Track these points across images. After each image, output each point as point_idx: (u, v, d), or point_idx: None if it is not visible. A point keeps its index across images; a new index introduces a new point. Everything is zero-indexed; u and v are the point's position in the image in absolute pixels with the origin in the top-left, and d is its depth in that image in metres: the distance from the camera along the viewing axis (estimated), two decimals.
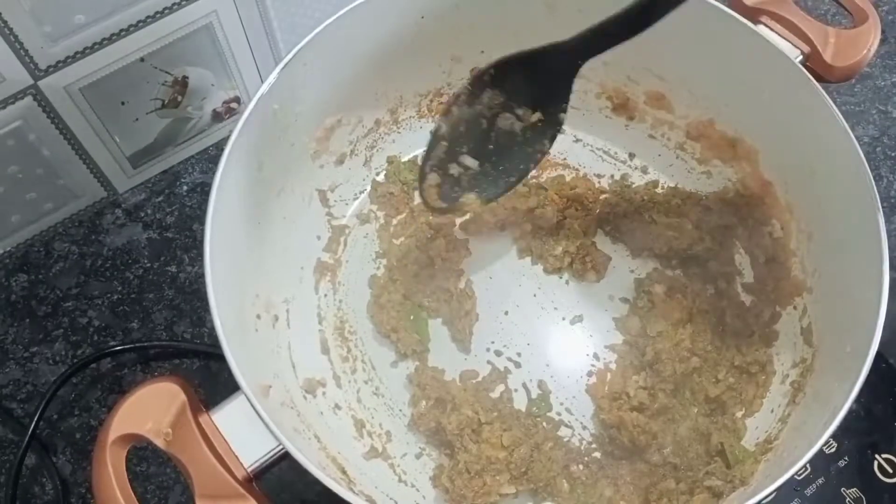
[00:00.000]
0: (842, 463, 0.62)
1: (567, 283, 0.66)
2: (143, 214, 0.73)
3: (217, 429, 0.46)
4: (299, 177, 0.63)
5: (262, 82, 0.54)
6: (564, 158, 0.71)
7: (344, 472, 0.55)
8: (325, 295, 0.65)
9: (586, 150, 0.71)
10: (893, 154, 0.77)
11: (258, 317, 0.58)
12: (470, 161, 0.56)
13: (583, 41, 0.51)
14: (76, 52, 0.60)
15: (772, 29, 0.60)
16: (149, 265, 0.71)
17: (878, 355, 0.48)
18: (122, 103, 0.66)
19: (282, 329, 0.61)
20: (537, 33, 0.62)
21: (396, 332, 0.62)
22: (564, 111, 0.54)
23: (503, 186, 0.57)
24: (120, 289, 0.70)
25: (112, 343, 0.67)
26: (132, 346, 0.67)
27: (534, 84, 0.54)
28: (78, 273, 0.70)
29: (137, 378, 0.66)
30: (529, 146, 0.56)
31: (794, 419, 0.54)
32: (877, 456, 0.62)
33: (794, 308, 0.60)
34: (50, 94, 0.61)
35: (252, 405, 0.45)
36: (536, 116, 0.55)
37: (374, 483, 0.57)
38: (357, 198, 0.69)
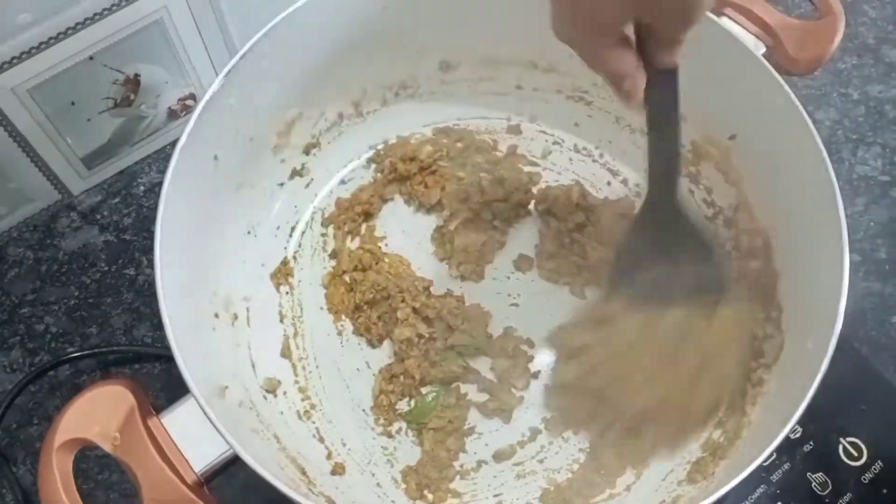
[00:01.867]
0: (807, 448, 0.61)
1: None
2: (99, 217, 0.72)
3: (166, 432, 0.45)
4: (259, 171, 0.62)
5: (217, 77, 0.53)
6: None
7: (304, 473, 0.55)
8: (287, 293, 0.64)
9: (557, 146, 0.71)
10: (854, 137, 0.77)
11: (216, 315, 0.58)
12: None
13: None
14: (22, 53, 0.59)
15: (735, 21, 0.59)
16: (106, 268, 0.69)
17: (843, 339, 0.48)
18: (73, 103, 0.65)
19: (241, 328, 0.60)
20: (499, 20, 0.62)
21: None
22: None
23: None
24: (77, 293, 0.69)
25: (70, 349, 0.66)
26: (91, 351, 0.65)
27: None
28: (34, 278, 0.69)
29: None
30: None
31: (756, 415, 0.54)
32: (842, 440, 0.62)
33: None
34: None
35: (200, 406, 0.44)
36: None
37: (335, 484, 0.57)
38: (317, 194, 0.68)
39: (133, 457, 0.44)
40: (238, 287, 0.61)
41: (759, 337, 0.57)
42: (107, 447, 0.44)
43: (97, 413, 0.44)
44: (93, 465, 0.61)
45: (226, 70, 0.53)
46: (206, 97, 0.52)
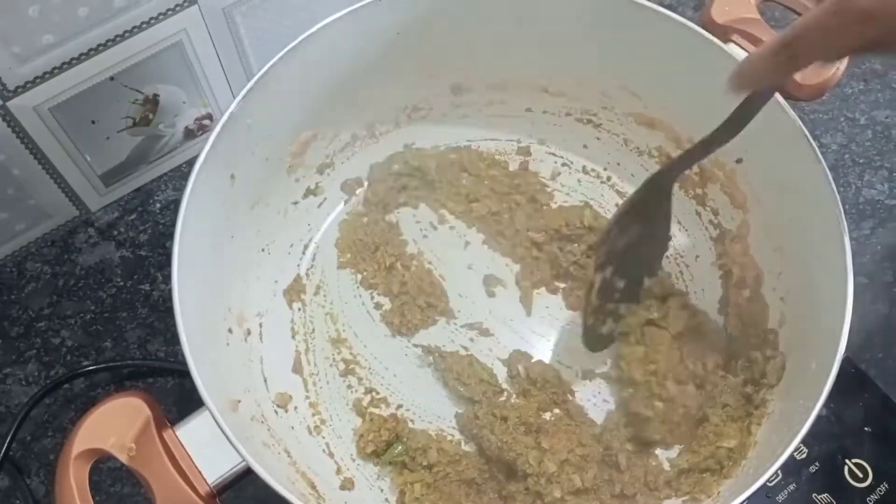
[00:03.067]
0: (813, 468, 0.62)
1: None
2: (115, 233, 0.73)
3: (181, 444, 0.46)
4: (274, 190, 0.64)
5: (234, 98, 0.54)
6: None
7: (314, 488, 0.55)
8: (299, 310, 0.65)
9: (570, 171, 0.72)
10: (861, 161, 0.78)
11: (230, 331, 0.59)
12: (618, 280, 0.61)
13: (676, 163, 0.56)
14: (45, 73, 0.60)
15: (741, 47, 0.60)
16: (122, 284, 0.71)
17: (847, 360, 0.48)
18: (93, 122, 0.66)
19: (254, 343, 0.62)
20: (508, 46, 0.63)
21: None
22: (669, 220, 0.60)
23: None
24: (93, 308, 0.70)
25: (85, 363, 0.67)
26: (105, 365, 0.66)
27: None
28: (50, 293, 0.70)
29: None
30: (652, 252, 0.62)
31: (760, 436, 0.55)
32: (847, 461, 0.62)
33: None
34: (19, 114, 0.62)
35: (215, 420, 0.45)
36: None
37: (344, 499, 0.57)
38: (330, 213, 0.69)
39: (148, 468, 0.44)
40: (251, 303, 0.62)
41: (759, 359, 0.58)
42: (122, 458, 0.45)
43: (114, 424, 0.45)
44: (105, 478, 0.62)
45: (243, 92, 0.54)
46: (224, 118, 0.53)
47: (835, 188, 0.52)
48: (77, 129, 0.66)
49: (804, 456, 0.62)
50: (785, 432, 0.49)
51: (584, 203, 0.69)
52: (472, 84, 0.68)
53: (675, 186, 0.60)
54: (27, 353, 0.68)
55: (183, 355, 0.47)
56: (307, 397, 0.62)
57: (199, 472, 0.45)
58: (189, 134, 0.74)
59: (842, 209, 0.52)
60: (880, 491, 0.61)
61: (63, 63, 0.61)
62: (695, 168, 0.65)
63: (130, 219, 0.74)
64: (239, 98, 0.54)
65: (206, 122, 0.74)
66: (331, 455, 0.60)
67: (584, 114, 0.69)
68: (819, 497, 0.61)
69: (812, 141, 0.54)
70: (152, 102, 0.69)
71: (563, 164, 0.71)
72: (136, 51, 0.64)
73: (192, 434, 0.46)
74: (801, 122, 0.54)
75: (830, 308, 0.50)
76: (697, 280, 0.66)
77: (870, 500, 0.61)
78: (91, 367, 0.66)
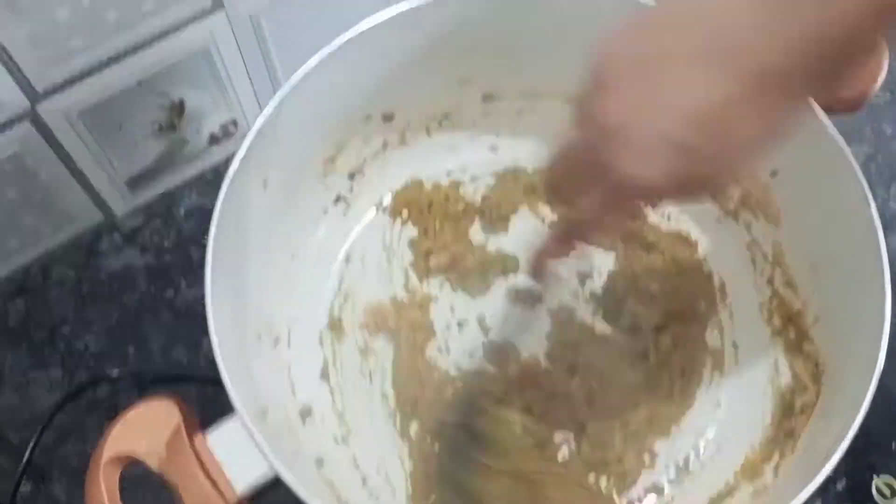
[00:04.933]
0: (840, 486, 0.61)
1: None
2: (140, 238, 0.73)
3: (209, 450, 0.45)
4: (305, 197, 0.64)
5: (260, 105, 0.54)
6: None
7: (339, 499, 0.55)
8: (328, 317, 0.65)
9: None
10: (888, 173, 0.77)
11: (259, 338, 0.58)
12: None
13: None
14: (73, 77, 0.60)
15: None
16: (146, 289, 0.71)
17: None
18: (120, 127, 0.67)
19: (282, 350, 0.61)
20: (538, 51, 0.62)
21: None
22: None
23: None
24: (117, 314, 0.70)
25: (108, 368, 0.67)
26: (129, 371, 0.66)
27: None
28: (75, 298, 0.70)
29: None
30: None
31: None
32: (875, 477, 0.61)
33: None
34: (48, 118, 0.62)
35: (246, 426, 0.45)
36: None
37: None
38: (360, 220, 0.68)
39: (178, 474, 0.44)
40: (280, 311, 0.61)
41: (793, 389, 0.58)
42: (152, 463, 0.44)
43: (145, 429, 0.45)
44: (126, 485, 0.62)
45: (277, 98, 0.54)
46: (259, 123, 0.53)
47: (873, 202, 0.52)
48: (104, 133, 0.66)
49: (831, 472, 0.61)
50: (815, 457, 0.48)
51: None
52: (504, 92, 0.68)
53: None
54: (51, 358, 0.68)
55: (206, 362, 0.47)
56: (334, 406, 0.61)
57: (227, 480, 0.45)
58: (213, 139, 0.74)
59: (879, 224, 0.51)
60: None
61: (91, 67, 0.61)
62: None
63: (155, 224, 0.74)
64: (273, 103, 0.54)
65: (231, 128, 0.74)
66: (356, 466, 0.59)
67: None
68: None
69: (850, 153, 0.53)
70: (178, 108, 0.69)
71: None
72: (164, 56, 0.64)
73: (223, 441, 0.46)
74: (838, 136, 0.54)
75: (867, 323, 0.50)
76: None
77: None
78: (115, 373, 0.66)
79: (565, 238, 0.48)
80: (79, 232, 0.72)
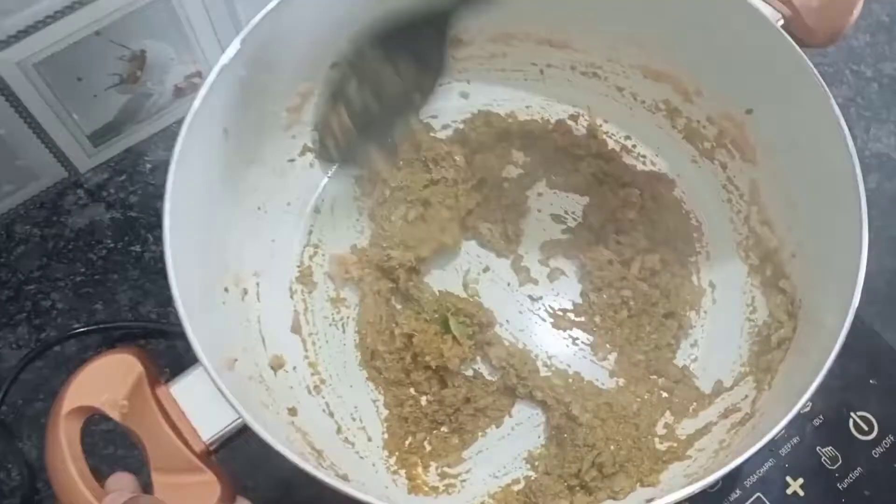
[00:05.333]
0: (817, 422, 0.61)
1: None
2: (105, 194, 0.71)
3: (174, 401, 0.45)
4: (270, 147, 0.62)
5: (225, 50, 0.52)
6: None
7: (313, 448, 0.54)
8: (297, 268, 0.64)
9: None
10: (867, 115, 0.77)
11: (226, 290, 0.57)
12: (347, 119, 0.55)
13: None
14: (28, 27, 0.58)
15: None
16: (112, 245, 0.69)
17: (854, 314, 0.47)
18: (79, 79, 0.64)
19: (251, 303, 0.60)
20: None
21: None
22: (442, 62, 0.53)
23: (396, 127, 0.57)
24: (83, 270, 0.68)
25: (76, 325, 0.66)
26: (96, 327, 0.65)
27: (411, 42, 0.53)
28: (40, 255, 0.69)
29: None
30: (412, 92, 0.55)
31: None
32: (852, 414, 0.61)
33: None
34: (3, 70, 0.59)
35: (209, 375, 0.44)
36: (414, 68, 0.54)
37: (345, 459, 0.56)
38: (328, 171, 0.66)
39: (141, 425, 0.43)
40: (248, 262, 0.60)
41: (769, 325, 0.57)
42: (115, 415, 0.43)
43: (106, 381, 0.44)
44: (98, 440, 0.61)
45: (236, 42, 0.52)
46: (216, 69, 0.51)
47: (850, 138, 0.51)
48: (63, 86, 0.64)
49: (808, 409, 0.61)
50: (793, 388, 0.48)
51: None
52: (473, 37, 0.66)
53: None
54: (17, 316, 0.66)
55: (175, 317, 0.46)
56: (306, 357, 0.61)
57: (194, 430, 0.44)
58: (179, 92, 0.72)
59: (857, 160, 0.50)
60: (886, 443, 0.60)
61: (47, 17, 0.59)
62: (703, 121, 0.64)
63: (120, 180, 0.72)
64: (232, 48, 0.52)
65: (196, 79, 0.72)
66: (331, 415, 0.59)
67: (589, 67, 0.67)
68: (823, 450, 0.60)
69: (826, 88, 0.52)
70: (139, 59, 0.67)
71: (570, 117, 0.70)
72: (123, 4, 0.62)
73: (187, 391, 0.45)
74: (814, 69, 0.53)
75: (844, 261, 0.49)
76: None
77: (875, 453, 0.60)
78: (82, 329, 0.65)
79: None
80: (42, 189, 0.70)
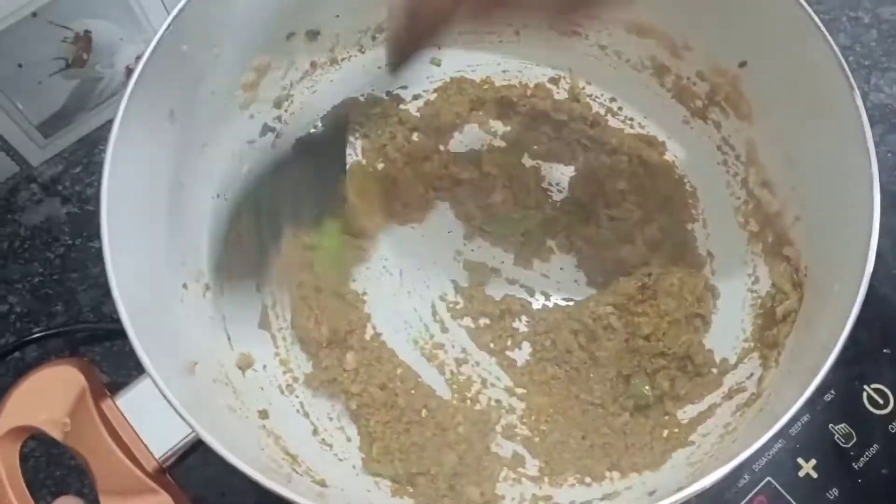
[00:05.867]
0: (828, 397, 0.57)
1: None
2: (60, 188, 0.67)
3: (122, 415, 0.41)
4: (226, 129, 0.57)
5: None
6: None
7: (287, 452, 0.50)
8: None
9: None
10: (867, 63, 0.72)
11: (185, 286, 0.53)
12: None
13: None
14: None
15: None
16: (70, 242, 0.65)
17: None
18: (20, 65, 0.60)
19: (214, 299, 0.56)
20: None
21: None
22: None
23: None
24: (41, 270, 0.64)
25: (35, 329, 0.62)
26: (57, 331, 0.62)
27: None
28: None
29: None
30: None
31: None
32: (865, 387, 0.57)
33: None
34: None
35: (155, 384, 0.39)
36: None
37: (323, 462, 0.52)
38: None
39: (85, 444, 0.39)
40: (208, 256, 0.56)
41: (773, 297, 0.53)
42: (56, 435, 0.39)
43: (45, 398, 0.40)
44: (40, 462, 0.58)
45: (174, 12, 0.48)
46: (154, 43, 0.47)
47: (856, 90, 0.46)
48: (3, 73, 0.59)
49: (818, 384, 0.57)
50: (801, 366, 0.44)
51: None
52: None
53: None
54: None
55: None
56: (277, 354, 0.57)
57: (145, 446, 0.40)
58: (130, 75, 0.67)
59: (864, 110, 0.46)
60: None
61: None
62: (692, 77, 0.59)
63: (75, 172, 0.68)
64: (170, 19, 0.47)
65: None
66: (306, 415, 0.55)
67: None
68: (836, 427, 0.56)
69: (827, 34, 0.47)
70: (84, 40, 0.62)
71: (551, 80, 0.65)
72: None
73: (136, 404, 0.41)
74: (812, 13, 0.48)
75: (853, 221, 0.45)
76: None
77: (892, 428, 0.56)
78: (41, 334, 0.61)
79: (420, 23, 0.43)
80: None
